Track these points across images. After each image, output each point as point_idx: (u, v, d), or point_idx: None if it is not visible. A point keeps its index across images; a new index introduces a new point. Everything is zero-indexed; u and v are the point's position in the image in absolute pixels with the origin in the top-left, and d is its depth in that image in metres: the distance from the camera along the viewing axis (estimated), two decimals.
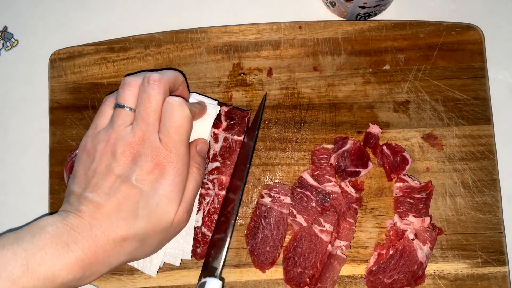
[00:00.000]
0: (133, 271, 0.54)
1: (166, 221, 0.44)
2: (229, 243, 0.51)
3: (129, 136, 0.45)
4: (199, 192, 0.51)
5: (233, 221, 0.51)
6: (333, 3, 0.59)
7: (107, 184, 0.44)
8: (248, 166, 0.52)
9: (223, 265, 0.50)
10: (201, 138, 0.52)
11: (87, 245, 0.41)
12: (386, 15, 0.62)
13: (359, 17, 0.60)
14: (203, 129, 0.52)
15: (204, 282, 0.49)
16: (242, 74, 0.58)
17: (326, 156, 0.55)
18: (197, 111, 0.51)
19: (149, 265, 0.51)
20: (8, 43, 0.64)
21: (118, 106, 0.46)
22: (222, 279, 0.50)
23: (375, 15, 0.61)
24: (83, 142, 0.47)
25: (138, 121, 0.45)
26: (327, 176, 0.54)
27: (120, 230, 0.42)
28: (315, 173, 0.54)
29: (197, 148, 0.50)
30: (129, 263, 0.50)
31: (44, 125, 0.59)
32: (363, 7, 0.57)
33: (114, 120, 0.46)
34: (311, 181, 0.54)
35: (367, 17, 0.61)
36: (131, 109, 0.46)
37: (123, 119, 0.46)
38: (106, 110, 0.48)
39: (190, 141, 0.49)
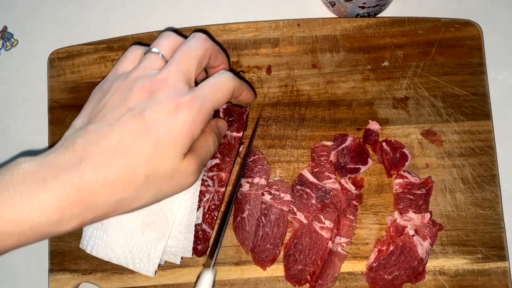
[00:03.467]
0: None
1: (170, 167, 0.39)
2: (222, 237, 0.51)
3: (153, 74, 0.40)
4: (199, 189, 0.51)
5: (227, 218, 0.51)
6: (333, 3, 0.59)
7: (114, 116, 0.38)
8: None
9: (216, 258, 0.50)
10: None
11: (69, 180, 0.34)
12: (384, 13, 0.62)
13: (358, 17, 0.60)
14: None
15: (201, 273, 0.49)
16: (241, 72, 0.58)
17: (325, 153, 0.55)
18: (245, 89, 0.48)
19: (146, 265, 0.50)
20: (8, 43, 0.64)
21: (151, 51, 0.42)
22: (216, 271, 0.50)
23: (375, 15, 0.61)
24: (99, 84, 0.43)
25: (169, 65, 0.40)
26: (327, 173, 0.54)
27: (115, 167, 0.36)
28: (315, 170, 0.54)
29: (217, 123, 0.48)
30: (124, 265, 0.49)
31: (43, 124, 0.59)
32: (363, 7, 0.57)
33: (142, 61, 0.41)
34: (311, 178, 0.54)
35: (366, 17, 0.61)
36: (163, 56, 0.41)
37: (151, 61, 0.41)
38: (130, 55, 0.43)
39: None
